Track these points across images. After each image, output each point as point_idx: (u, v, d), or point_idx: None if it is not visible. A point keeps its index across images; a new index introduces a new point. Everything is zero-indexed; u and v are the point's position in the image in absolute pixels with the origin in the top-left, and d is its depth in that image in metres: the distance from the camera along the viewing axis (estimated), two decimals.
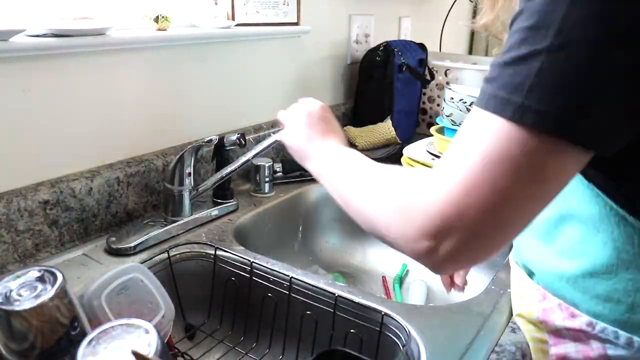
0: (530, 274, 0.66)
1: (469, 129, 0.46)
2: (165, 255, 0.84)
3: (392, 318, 0.70)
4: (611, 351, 0.56)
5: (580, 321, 0.59)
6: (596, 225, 0.55)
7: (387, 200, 0.50)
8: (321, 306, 0.75)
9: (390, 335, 0.70)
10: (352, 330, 0.72)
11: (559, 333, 0.61)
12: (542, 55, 0.41)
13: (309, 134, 0.74)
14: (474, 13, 2.45)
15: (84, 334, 0.51)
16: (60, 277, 0.53)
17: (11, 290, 0.52)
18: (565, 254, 0.59)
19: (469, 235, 0.43)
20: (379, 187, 0.54)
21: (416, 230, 0.45)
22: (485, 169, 0.42)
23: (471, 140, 0.45)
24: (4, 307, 0.50)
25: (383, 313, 0.70)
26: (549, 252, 0.61)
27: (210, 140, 0.92)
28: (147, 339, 0.49)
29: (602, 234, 0.54)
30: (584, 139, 0.41)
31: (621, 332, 0.55)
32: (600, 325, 0.57)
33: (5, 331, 0.51)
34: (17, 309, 0.50)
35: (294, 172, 1.19)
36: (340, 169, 0.63)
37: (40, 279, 0.53)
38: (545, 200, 0.44)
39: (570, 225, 0.58)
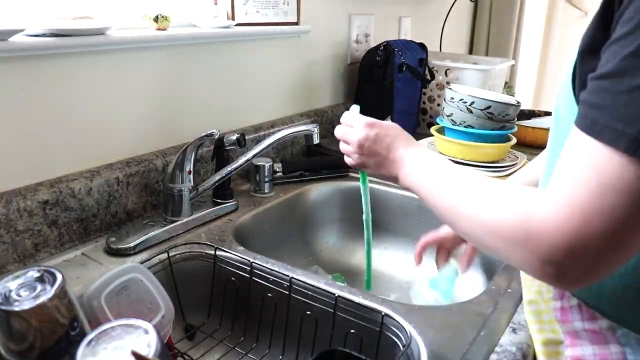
0: None
1: (581, 156, 0.45)
2: (165, 255, 0.84)
3: (392, 318, 0.69)
4: (631, 356, 0.56)
5: (601, 324, 0.57)
6: None
7: (503, 230, 0.50)
8: (321, 306, 0.75)
9: (390, 335, 0.69)
10: (352, 330, 0.72)
11: (577, 334, 0.60)
12: None
13: (389, 143, 0.72)
14: (475, 11, 2.46)
15: (83, 334, 0.51)
16: (59, 277, 0.53)
17: (11, 291, 0.52)
18: None
19: (593, 261, 0.44)
20: (491, 215, 0.52)
21: (542, 261, 0.46)
22: (603, 198, 0.43)
23: (585, 169, 0.45)
24: (3, 307, 0.50)
25: (383, 313, 0.70)
26: None
27: (212, 134, 0.91)
28: (146, 339, 0.49)
29: None
30: None
31: None
32: (622, 330, 0.56)
33: (5, 331, 0.51)
34: (16, 309, 0.50)
35: (294, 172, 1.19)
36: (442, 182, 0.61)
37: (40, 279, 0.53)
38: None
39: None
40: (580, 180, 0.45)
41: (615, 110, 0.43)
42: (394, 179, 0.72)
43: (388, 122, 0.76)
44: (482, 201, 0.54)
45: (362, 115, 0.78)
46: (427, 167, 0.65)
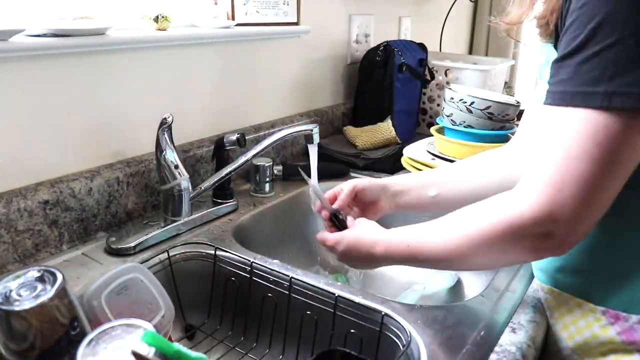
0: (587, 298, 0.64)
1: (554, 131, 0.52)
2: (165, 255, 0.84)
3: (392, 318, 0.69)
4: None
5: None
6: None
7: (493, 238, 0.57)
8: (321, 306, 0.75)
9: (390, 335, 0.69)
10: (352, 330, 0.72)
11: None
12: (615, 47, 0.48)
13: (367, 255, 0.74)
14: (475, 11, 2.45)
15: (83, 334, 0.51)
16: (60, 277, 0.53)
17: (11, 290, 0.52)
18: None
19: (572, 223, 0.52)
20: (475, 234, 0.59)
21: (530, 245, 0.54)
22: (571, 164, 0.50)
23: (556, 141, 0.51)
24: (3, 307, 0.50)
25: (383, 313, 0.70)
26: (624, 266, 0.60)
27: (165, 120, 0.90)
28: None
29: None
30: None
31: None
32: None
33: (5, 331, 0.50)
34: (16, 309, 0.50)
35: (294, 177, 1.18)
36: (423, 243, 0.67)
37: (40, 279, 0.53)
38: (626, 175, 0.52)
39: None
40: (551, 151, 0.52)
41: (580, 78, 0.50)
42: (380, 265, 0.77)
43: (352, 229, 0.79)
44: (463, 231, 0.61)
45: (329, 236, 0.80)
46: (401, 238, 0.71)
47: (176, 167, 0.92)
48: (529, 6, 0.64)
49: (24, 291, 0.51)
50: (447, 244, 0.62)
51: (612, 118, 0.48)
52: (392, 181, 0.89)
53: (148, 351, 0.47)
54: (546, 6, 0.59)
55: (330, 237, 0.79)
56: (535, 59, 0.63)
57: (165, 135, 0.90)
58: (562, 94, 0.51)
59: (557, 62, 0.52)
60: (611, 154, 0.49)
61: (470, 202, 0.64)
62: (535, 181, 0.52)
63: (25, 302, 0.50)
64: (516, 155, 0.82)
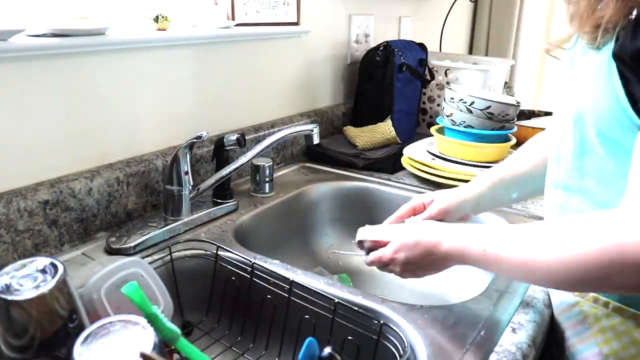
0: (628, 303, 0.62)
1: None
2: (166, 252, 0.84)
3: (392, 319, 0.69)
4: None
5: None
6: None
7: (587, 265, 0.50)
8: (320, 311, 0.75)
9: (390, 336, 0.69)
10: (349, 337, 0.71)
11: None
12: None
13: (425, 251, 0.67)
14: (475, 11, 2.45)
15: (81, 327, 0.51)
16: (61, 268, 0.53)
17: (12, 278, 0.52)
18: None
19: None
20: (572, 257, 0.52)
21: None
22: None
23: None
24: (3, 296, 0.50)
25: (382, 322, 0.69)
26: None
27: (200, 137, 0.91)
28: (144, 335, 0.49)
29: None
30: None
31: None
32: None
33: (4, 321, 0.51)
34: (16, 298, 0.50)
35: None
36: (502, 246, 0.59)
37: (42, 270, 0.53)
38: None
39: None
40: None
41: None
42: (448, 266, 0.68)
43: (405, 232, 0.71)
44: (559, 244, 0.53)
45: (381, 250, 0.73)
46: (478, 241, 0.62)
47: (186, 173, 0.93)
48: None
49: (25, 281, 0.52)
50: (535, 263, 0.55)
51: None
52: (467, 193, 0.84)
53: (142, 347, 0.47)
54: None
55: (385, 250, 0.71)
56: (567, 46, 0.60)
57: (187, 150, 0.92)
58: None
59: None
60: None
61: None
62: None
63: (25, 292, 0.50)
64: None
